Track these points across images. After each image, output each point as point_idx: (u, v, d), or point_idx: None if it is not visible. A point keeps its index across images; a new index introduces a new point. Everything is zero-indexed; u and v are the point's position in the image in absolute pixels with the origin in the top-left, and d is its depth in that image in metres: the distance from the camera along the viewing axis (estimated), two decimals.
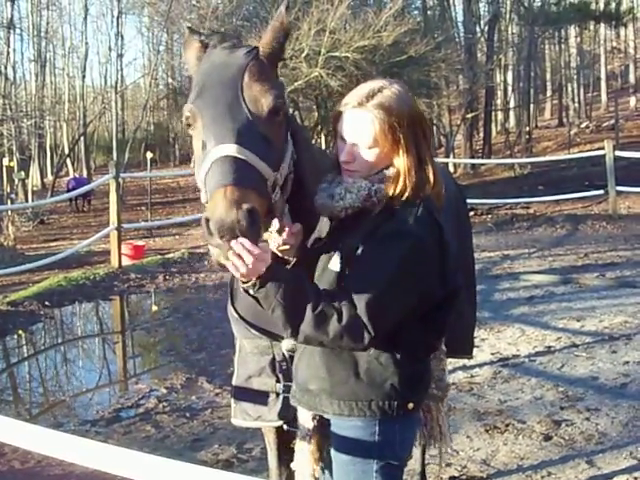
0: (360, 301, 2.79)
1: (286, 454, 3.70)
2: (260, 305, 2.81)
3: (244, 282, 2.78)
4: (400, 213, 2.91)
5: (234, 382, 3.75)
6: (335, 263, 2.99)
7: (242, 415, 3.65)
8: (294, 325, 2.79)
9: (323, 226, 3.19)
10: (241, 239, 2.62)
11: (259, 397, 3.59)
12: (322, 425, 3.09)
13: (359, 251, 2.91)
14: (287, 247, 3.10)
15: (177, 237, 21.87)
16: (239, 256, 2.63)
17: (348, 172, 3.01)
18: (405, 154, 2.93)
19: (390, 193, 2.92)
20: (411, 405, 3.03)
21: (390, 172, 2.95)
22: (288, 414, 3.39)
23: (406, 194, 2.91)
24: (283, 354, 3.51)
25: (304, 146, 3.32)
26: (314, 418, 3.09)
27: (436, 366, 3.97)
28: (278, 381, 3.54)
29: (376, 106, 2.93)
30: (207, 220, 2.64)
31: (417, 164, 2.95)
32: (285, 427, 3.52)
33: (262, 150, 2.83)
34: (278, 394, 3.52)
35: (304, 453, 3.14)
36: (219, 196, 2.66)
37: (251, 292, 2.79)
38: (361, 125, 2.95)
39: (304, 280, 2.89)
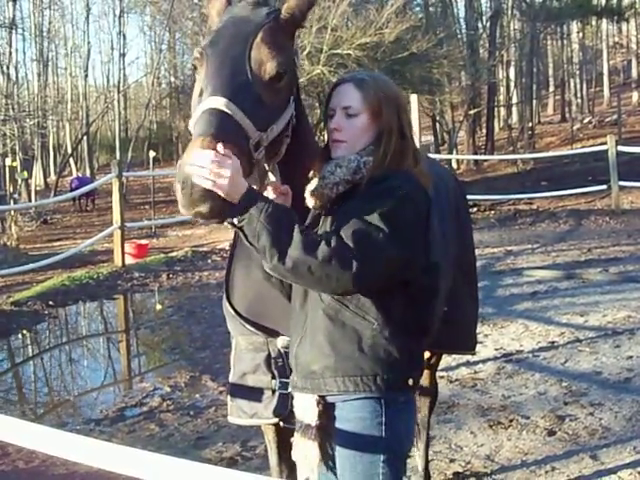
0: (347, 231, 2.83)
1: (286, 451, 3.70)
2: (246, 238, 2.83)
3: (228, 212, 2.81)
4: (392, 177, 2.97)
5: (230, 379, 3.74)
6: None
7: (238, 412, 3.64)
8: (281, 250, 2.78)
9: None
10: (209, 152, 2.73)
11: (254, 394, 3.56)
12: (325, 416, 3.07)
13: (348, 208, 2.97)
14: None
15: (180, 235, 21.88)
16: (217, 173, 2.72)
17: (337, 142, 3.09)
18: (388, 122, 3.05)
19: (375, 160, 3.00)
20: (411, 381, 3.05)
21: (376, 145, 3.04)
22: (284, 411, 3.39)
23: (387, 161, 2.99)
24: (279, 350, 3.47)
25: (305, 118, 3.45)
26: (319, 403, 3.06)
27: None
28: (274, 377, 3.51)
29: (362, 78, 3.13)
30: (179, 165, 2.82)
31: (399, 136, 3.06)
32: (281, 424, 3.51)
33: (252, 109, 2.90)
34: (274, 391, 3.49)
35: (306, 447, 3.12)
36: (195, 144, 2.76)
37: (235, 221, 2.82)
38: (349, 93, 3.09)
39: (291, 211, 2.95)
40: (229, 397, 3.76)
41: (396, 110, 3.09)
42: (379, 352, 2.97)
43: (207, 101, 2.87)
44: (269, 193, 3.13)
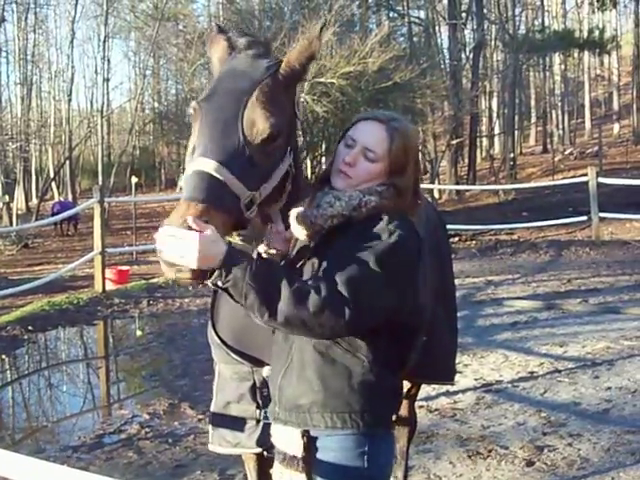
0: (341, 276, 2.80)
1: None
2: (232, 298, 2.80)
3: (209, 276, 2.78)
4: (385, 218, 2.95)
5: (212, 408, 3.72)
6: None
7: (219, 441, 3.61)
8: (271, 307, 2.75)
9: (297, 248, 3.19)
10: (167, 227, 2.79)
11: (237, 424, 3.54)
12: (309, 448, 3.05)
13: (339, 248, 2.94)
14: (274, 252, 3.13)
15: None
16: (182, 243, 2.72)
17: (342, 174, 3.04)
18: (409, 178, 3.04)
19: (384, 208, 2.97)
20: (394, 417, 3.07)
21: (384, 187, 3.00)
22: (268, 440, 3.36)
23: (399, 208, 3.00)
24: (264, 380, 3.45)
25: (300, 164, 3.40)
26: (303, 436, 3.03)
27: None
28: (259, 407, 3.49)
29: (396, 127, 3.04)
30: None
31: (417, 189, 3.09)
32: (265, 454, 3.49)
33: (243, 171, 2.87)
34: (258, 420, 3.47)
35: (292, 478, 3.11)
36: (181, 208, 2.78)
37: (219, 284, 2.78)
38: (377, 137, 3.02)
39: (272, 260, 2.95)
40: (211, 426, 3.73)
41: (415, 168, 3.10)
42: (368, 389, 2.96)
43: (197, 162, 2.85)
44: (273, 239, 3.13)
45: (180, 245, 2.72)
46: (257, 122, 2.92)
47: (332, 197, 3.00)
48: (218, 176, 2.81)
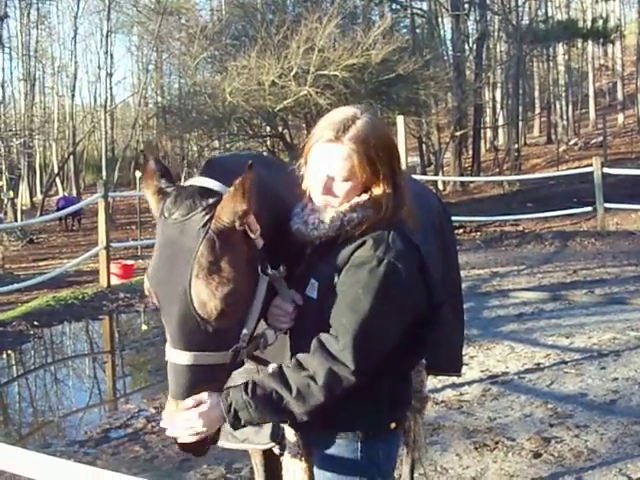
0: (345, 337, 2.78)
1: (273, 475, 3.68)
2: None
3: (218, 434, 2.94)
4: (371, 242, 2.86)
5: None
6: (312, 290, 2.96)
7: (227, 437, 3.56)
8: (289, 417, 2.83)
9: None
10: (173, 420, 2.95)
11: None
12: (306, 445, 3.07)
13: (335, 285, 2.89)
14: (285, 327, 3.07)
15: None
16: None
17: (323, 201, 2.94)
18: (384, 183, 2.90)
19: (367, 221, 2.89)
20: (393, 425, 3.04)
21: (363, 199, 2.91)
22: (277, 437, 3.35)
23: (382, 220, 2.88)
24: None
25: (278, 217, 3.06)
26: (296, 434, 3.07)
27: (415, 378, 3.96)
28: None
29: (352, 139, 2.84)
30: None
31: (394, 191, 2.92)
32: (277, 451, 3.47)
33: (218, 342, 2.80)
34: None
35: (296, 472, 3.11)
36: (171, 406, 2.94)
37: (237, 425, 2.87)
38: (337, 160, 2.85)
39: (262, 382, 2.86)
40: None
41: (390, 168, 2.93)
42: (363, 398, 2.94)
43: (170, 353, 2.84)
44: (278, 319, 3.06)
45: (186, 426, 2.86)
46: (207, 302, 2.73)
47: (316, 219, 2.95)
48: (195, 364, 2.79)
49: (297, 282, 3.00)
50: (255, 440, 3.45)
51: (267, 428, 3.35)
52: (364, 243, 2.87)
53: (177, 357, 2.79)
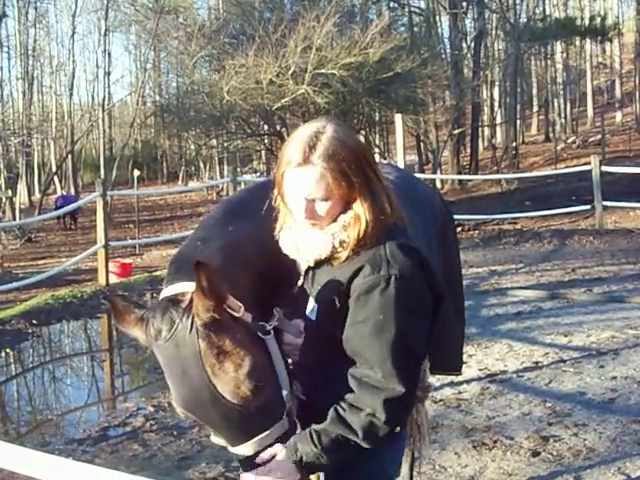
0: (383, 365, 2.79)
1: None
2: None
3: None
4: (369, 265, 2.85)
5: None
6: (312, 312, 2.97)
7: None
8: (364, 444, 2.82)
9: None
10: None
11: None
12: None
13: (334, 309, 2.90)
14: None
15: (164, 254, 21.83)
16: None
17: (309, 224, 2.92)
18: (360, 196, 2.86)
19: (354, 237, 2.86)
20: (398, 429, 3.04)
21: (348, 217, 2.89)
22: None
23: (370, 233, 2.86)
24: None
25: (262, 265, 3.06)
26: None
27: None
28: None
29: (321, 157, 2.81)
30: None
31: (372, 200, 2.87)
32: None
33: (267, 418, 2.80)
34: None
35: None
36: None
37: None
38: (312, 182, 2.82)
39: (326, 431, 2.84)
40: None
41: (364, 177, 2.87)
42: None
43: (235, 451, 2.83)
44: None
45: None
46: (237, 389, 2.71)
47: (308, 242, 2.94)
48: (261, 448, 2.78)
49: (296, 304, 3.01)
50: None
51: None
52: (362, 268, 2.85)
53: (243, 451, 2.79)
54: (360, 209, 2.86)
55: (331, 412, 2.85)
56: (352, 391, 2.84)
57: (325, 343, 2.93)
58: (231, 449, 2.82)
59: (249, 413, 2.73)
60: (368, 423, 2.78)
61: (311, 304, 2.96)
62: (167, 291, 2.89)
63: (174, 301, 2.79)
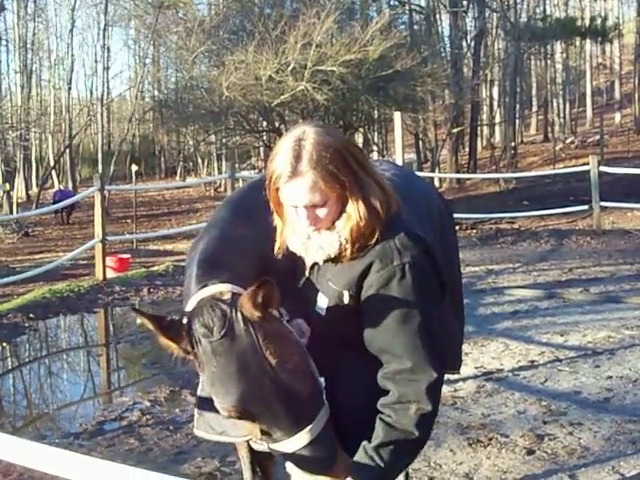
0: (414, 354, 2.88)
1: (260, 467, 3.69)
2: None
3: None
4: (379, 259, 2.91)
5: (199, 392, 3.59)
6: (320, 304, 3.02)
7: (205, 427, 3.46)
8: (421, 440, 2.93)
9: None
10: None
11: None
12: None
13: (344, 303, 2.96)
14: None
15: (162, 250, 21.84)
16: None
17: (314, 231, 2.98)
18: (351, 194, 2.91)
19: (348, 234, 2.92)
20: None
21: (342, 215, 2.96)
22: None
23: (365, 228, 2.91)
24: None
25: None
26: None
27: None
28: None
29: (308, 165, 2.85)
30: None
31: (362, 195, 2.92)
32: (259, 447, 3.45)
33: (313, 405, 2.83)
34: None
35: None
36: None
37: None
38: (307, 192, 2.87)
39: (382, 441, 2.89)
40: (196, 410, 3.58)
41: (352, 173, 2.91)
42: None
43: (286, 446, 2.80)
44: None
45: None
46: (297, 374, 2.76)
47: (314, 245, 3.00)
48: (315, 434, 2.78)
49: (303, 301, 3.04)
50: (232, 433, 3.39)
51: (241, 422, 3.32)
52: (372, 264, 2.91)
53: (297, 441, 2.78)
54: (350, 207, 2.91)
55: (378, 424, 2.90)
56: (378, 389, 2.93)
57: (333, 338, 2.97)
58: (281, 447, 2.81)
59: (304, 399, 2.76)
60: (419, 417, 2.85)
61: (320, 300, 2.99)
62: (204, 292, 2.89)
63: (217, 299, 2.80)
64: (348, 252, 2.94)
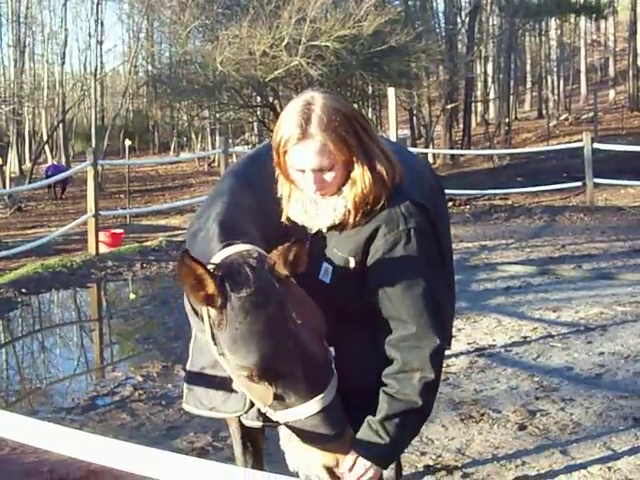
0: (420, 318, 2.90)
1: (251, 442, 3.68)
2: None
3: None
4: (385, 224, 2.94)
5: (188, 367, 3.60)
6: (326, 275, 3.02)
7: (195, 403, 3.48)
8: (425, 409, 2.96)
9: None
10: None
11: (212, 387, 3.42)
12: None
13: (350, 269, 2.98)
14: None
15: (155, 225, 21.82)
16: None
17: (321, 194, 2.99)
18: (357, 160, 2.93)
19: (352, 200, 2.94)
20: None
21: (348, 181, 2.97)
22: (242, 408, 3.28)
23: (369, 195, 2.93)
24: None
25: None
26: None
27: None
28: None
29: (318, 127, 2.87)
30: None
31: (368, 162, 2.94)
32: (252, 423, 3.43)
33: (327, 369, 2.85)
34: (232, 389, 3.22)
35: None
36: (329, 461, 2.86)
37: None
38: (316, 155, 2.88)
39: (388, 414, 2.91)
40: (186, 385, 3.58)
41: (357, 139, 2.94)
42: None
43: (306, 409, 2.75)
44: None
45: None
46: (316, 336, 2.80)
47: (318, 209, 3.02)
48: (331, 398, 2.78)
49: (307, 269, 3.02)
50: (222, 409, 3.37)
51: (234, 397, 3.28)
52: (378, 229, 2.94)
53: (309, 408, 2.75)
54: (356, 172, 2.93)
55: (382, 397, 2.92)
56: (379, 362, 2.96)
57: (338, 305, 2.97)
58: (286, 414, 2.79)
59: (320, 364, 2.77)
60: (423, 386, 2.86)
61: (327, 268, 3.01)
62: (230, 249, 2.85)
63: (246, 256, 2.79)
64: (351, 219, 2.96)
